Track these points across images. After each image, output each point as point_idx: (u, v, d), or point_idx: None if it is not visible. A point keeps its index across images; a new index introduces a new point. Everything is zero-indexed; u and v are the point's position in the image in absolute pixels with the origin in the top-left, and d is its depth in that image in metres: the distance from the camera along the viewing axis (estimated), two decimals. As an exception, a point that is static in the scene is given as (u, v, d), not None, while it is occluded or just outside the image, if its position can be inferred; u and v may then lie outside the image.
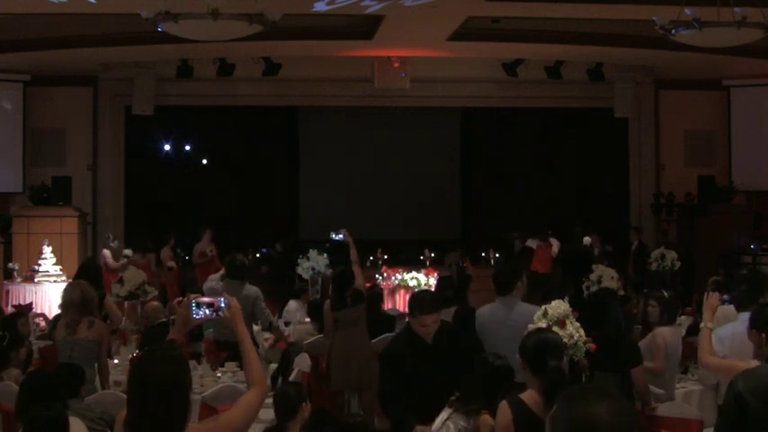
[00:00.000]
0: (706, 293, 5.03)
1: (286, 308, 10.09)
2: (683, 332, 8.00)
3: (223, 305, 3.44)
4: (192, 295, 3.59)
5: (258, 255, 13.92)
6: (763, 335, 4.28)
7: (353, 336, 7.31)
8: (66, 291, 6.55)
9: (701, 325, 4.87)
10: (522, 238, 14.21)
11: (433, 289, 12.08)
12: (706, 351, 4.72)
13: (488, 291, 11.17)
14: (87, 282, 6.97)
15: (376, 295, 8.97)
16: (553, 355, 3.97)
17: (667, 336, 6.16)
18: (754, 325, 4.54)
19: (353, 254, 7.83)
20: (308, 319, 9.58)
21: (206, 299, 3.53)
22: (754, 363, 4.16)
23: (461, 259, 12.81)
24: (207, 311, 3.47)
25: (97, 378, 6.26)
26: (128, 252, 12.13)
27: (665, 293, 6.54)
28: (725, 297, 5.85)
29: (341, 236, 8.15)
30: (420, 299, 5.33)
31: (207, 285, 7.67)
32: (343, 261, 8.25)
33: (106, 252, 12.30)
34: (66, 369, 5.28)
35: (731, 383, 3.71)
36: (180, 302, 3.60)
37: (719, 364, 4.72)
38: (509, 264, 9.49)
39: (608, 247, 13.90)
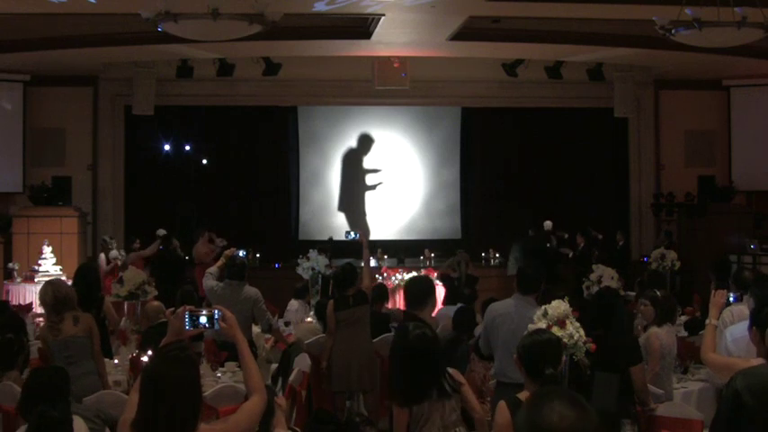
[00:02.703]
0: (713, 291, 5.02)
1: (288, 307, 10.08)
2: (685, 332, 8.01)
3: (217, 318, 3.48)
4: (188, 307, 3.59)
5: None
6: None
7: (355, 336, 7.30)
8: (39, 293, 6.54)
9: (707, 321, 4.88)
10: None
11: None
12: (709, 348, 4.72)
13: (490, 291, 11.24)
14: (80, 282, 6.96)
15: (375, 295, 8.96)
16: (550, 360, 3.96)
17: (662, 336, 6.15)
18: (754, 322, 4.55)
19: (365, 254, 7.83)
20: (309, 319, 9.58)
21: (201, 310, 3.55)
22: (756, 361, 4.15)
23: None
24: (202, 323, 3.50)
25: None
26: (114, 253, 12.17)
27: (658, 293, 6.54)
28: (733, 296, 5.83)
29: (355, 236, 8.18)
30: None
31: (206, 284, 7.64)
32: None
33: (102, 257, 12.29)
34: (52, 371, 5.29)
35: (730, 380, 3.72)
36: (173, 312, 3.59)
37: (721, 362, 4.72)
38: (535, 265, 9.52)
39: (564, 234, 14.17)
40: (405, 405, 4.40)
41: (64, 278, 11.98)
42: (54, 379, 4.88)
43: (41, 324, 8.62)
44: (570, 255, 13.80)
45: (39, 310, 11.21)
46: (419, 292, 5.72)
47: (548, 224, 14.11)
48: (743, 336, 5.01)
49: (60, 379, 4.92)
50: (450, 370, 4.50)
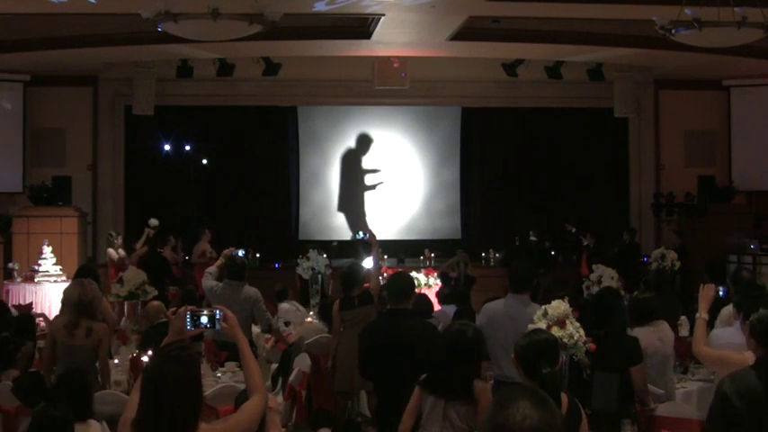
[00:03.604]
0: (702, 284, 5.06)
1: (279, 312, 10.05)
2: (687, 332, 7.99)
3: (218, 317, 3.50)
4: (190, 307, 3.60)
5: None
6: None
7: (360, 337, 7.29)
8: (67, 289, 6.54)
9: (696, 316, 4.91)
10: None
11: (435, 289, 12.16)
12: (700, 342, 4.79)
13: (490, 291, 11.23)
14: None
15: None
16: (548, 360, 3.96)
17: (641, 336, 6.08)
18: (747, 317, 4.60)
19: (374, 255, 7.83)
20: (309, 319, 9.58)
21: (202, 310, 3.56)
22: (748, 354, 4.18)
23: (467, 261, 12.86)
24: (203, 323, 3.52)
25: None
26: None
27: (640, 292, 6.52)
28: (721, 290, 5.84)
29: (365, 236, 8.19)
30: None
31: (206, 284, 7.65)
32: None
33: (111, 251, 12.30)
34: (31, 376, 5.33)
35: (719, 384, 3.81)
36: (174, 312, 3.60)
37: (714, 355, 4.78)
38: (526, 262, 9.54)
39: (572, 228, 14.32)
40: (420, 388, 4.44)
41: (64, 278, 12.07)
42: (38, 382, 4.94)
43: (42, 323, 8.67)
44: (586, 243, 13.85)
45: (39, 309, 11.26)
46: (404, 288, 5.74)
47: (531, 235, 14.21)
48: (729, 342, 5.04)
49: (41, 382, 4.98)
50: (479, 382, 4.48)
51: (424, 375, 4.51)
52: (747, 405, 3.67)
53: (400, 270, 9.40)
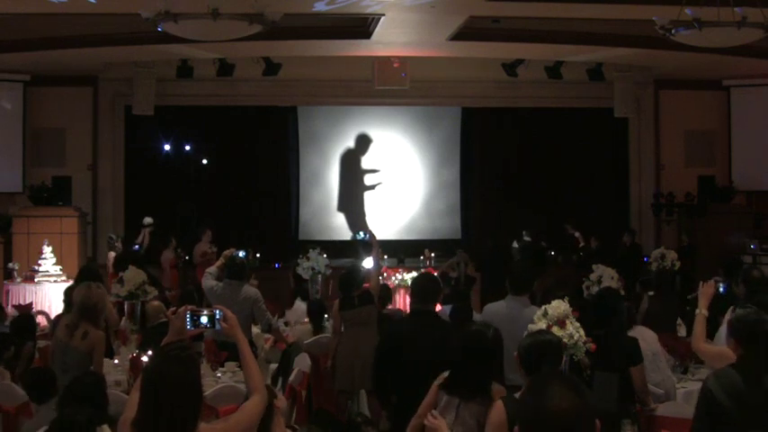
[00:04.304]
0: (701, 282, 5.07)
1: (294, 307, 10.08)
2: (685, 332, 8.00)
3: (218, 317, 3.50)
4: (189, 306, 3.60)
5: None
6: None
7: (360, 336, 7.29)
8: (75, 288, 6.53)
9: (696, 312, 4.92)
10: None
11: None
12: (699, 338, 4.80)
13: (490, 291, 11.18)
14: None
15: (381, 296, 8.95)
16: (550, 361, 3.96)
17: None
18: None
19: (375, 255, 7.85)
20: (307, 319, 9.59)
21: (202, 310, 3.57)
22: None
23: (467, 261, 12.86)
24: (203, 323, 3.53)
25: None
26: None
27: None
28: (721, 286, 5.85)
29: (365, 236, 8.21)
30: None
31: (206, 284, 7.65)
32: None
33: (112, 255, 12.29)
34: (37, 373, 5.35)
35: (704, 382, 3.83)
36: (174, 312, 3.60)
37: (714, 351, 4.79)
38: (526, 264, 9.53)
39: (574, 232, 14.29)
40: (438, 386, 4.41)
41: (64, 278, 12.07)
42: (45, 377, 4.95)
43: (42, 322, 8.68)
44: (582, 244, 13.84)
45: (38, 308, 11.26)
46: (429, 289, 5.70)
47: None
48: None
49: (52, 377, 4.99)
50: (497, 385, 4.46)
51: (443, 375, 4.47)
52: (732, 403, 3.69)
53: (426, 271, 9.43)
